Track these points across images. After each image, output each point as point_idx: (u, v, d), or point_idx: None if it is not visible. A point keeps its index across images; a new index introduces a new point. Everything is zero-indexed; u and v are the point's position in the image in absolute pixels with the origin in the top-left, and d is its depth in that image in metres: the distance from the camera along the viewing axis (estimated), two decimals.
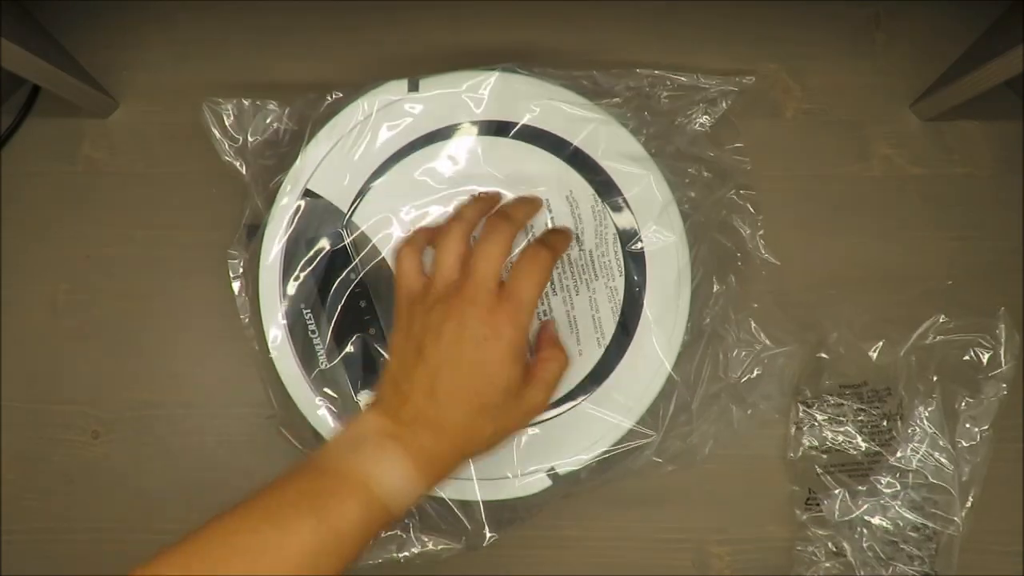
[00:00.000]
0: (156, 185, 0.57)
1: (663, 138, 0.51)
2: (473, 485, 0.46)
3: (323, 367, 0.47)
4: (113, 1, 0.58)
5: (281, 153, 0.51)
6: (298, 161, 0.48)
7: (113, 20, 0.58)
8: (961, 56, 0.55)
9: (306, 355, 0.47)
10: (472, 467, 0.46)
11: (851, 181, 0.57)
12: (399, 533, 0.48)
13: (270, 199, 0.49)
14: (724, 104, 0.53)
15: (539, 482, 0.46)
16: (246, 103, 0.50)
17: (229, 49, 0.58)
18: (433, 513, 0.47)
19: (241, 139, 0.50)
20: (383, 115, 0.48)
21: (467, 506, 0.47)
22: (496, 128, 0.48)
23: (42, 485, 0.54)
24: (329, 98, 0.49)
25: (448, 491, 0.46)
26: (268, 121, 0.50)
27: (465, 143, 0.48)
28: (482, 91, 0.48)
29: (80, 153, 0.57)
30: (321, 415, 0.46)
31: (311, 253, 0.47)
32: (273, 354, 0.47)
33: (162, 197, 0.56)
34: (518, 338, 0.35)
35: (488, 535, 0.46)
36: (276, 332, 0.47)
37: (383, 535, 0.48)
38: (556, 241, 0.41)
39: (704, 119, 0.52)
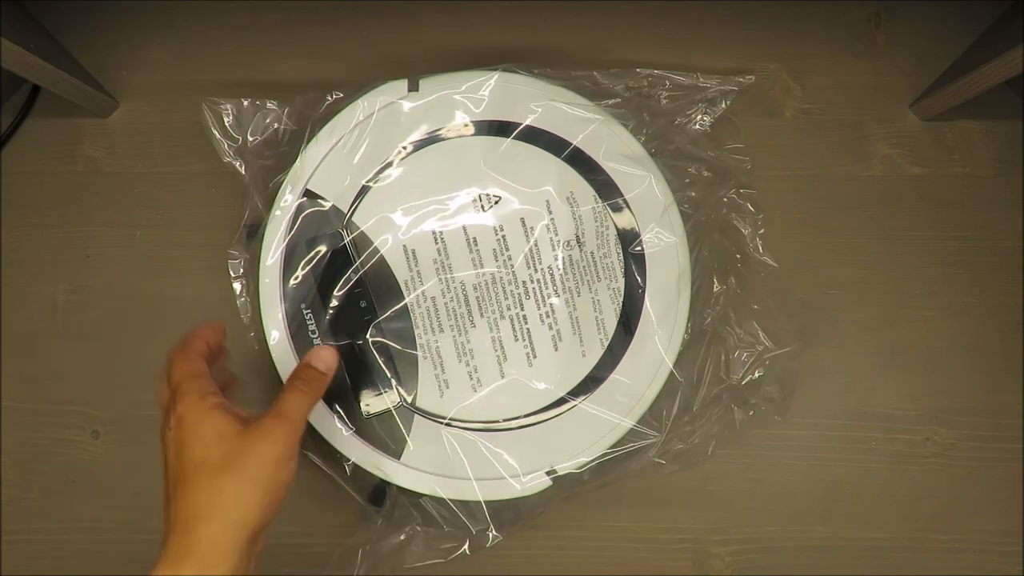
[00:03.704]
0: (156, 185, 0.57)
1: (663, 138, 0.51)
2: (472, 485, 0.46)
3: None
4: (113, 1, 0.58)
5: (281, 153, 0.51)
6: (298, 161, 0.48)
7: (113, 20, 0.58)
8: (961, 56, 0.55)
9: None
10: (468, 468, 0.46)
11: (851, 181, 0.57)
12: (401, 538, 0.48)
13: (270, 199, 0.49)
14: (724, 104, 0.53)
15: (539, 482, 0.46)
16: (245, 103, 0.50)
17: (229, 48, 0.58)
18: (436, 515, 0.47)
19: (241, 139, 0.50)
20: (383, 115, 0.48)
21: (469, 507, 0.47)
22: (496, 128, 0.48)
23: (42, 485, 0.54)
24: (329, 98, 0.49)
25: (450, 492, 0.46)
26: (268, 121, 0.50)
27: (465, 143, 0.48)
28: (482, 91, 0.48)
29: (80, 153, 0.57)
30: (321, 415, 0.46)
31: (311, 253, 0.47)
32: (273, 354, 0.47)
33: (162, 197, 0.56)
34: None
35: (492, 535, 0.46)
36: (276, 332, 0.47)
37: (381, 541, 0.48)
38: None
39: (704, 119, 0.53)
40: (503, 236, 0.48)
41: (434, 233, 0.48)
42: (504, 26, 0.58)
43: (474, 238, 0.48)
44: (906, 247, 0.56)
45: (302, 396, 0.38)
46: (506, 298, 0.48)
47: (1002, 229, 0.56)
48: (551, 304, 0.48)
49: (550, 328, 0.48)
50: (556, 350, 0.47)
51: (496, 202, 0.48)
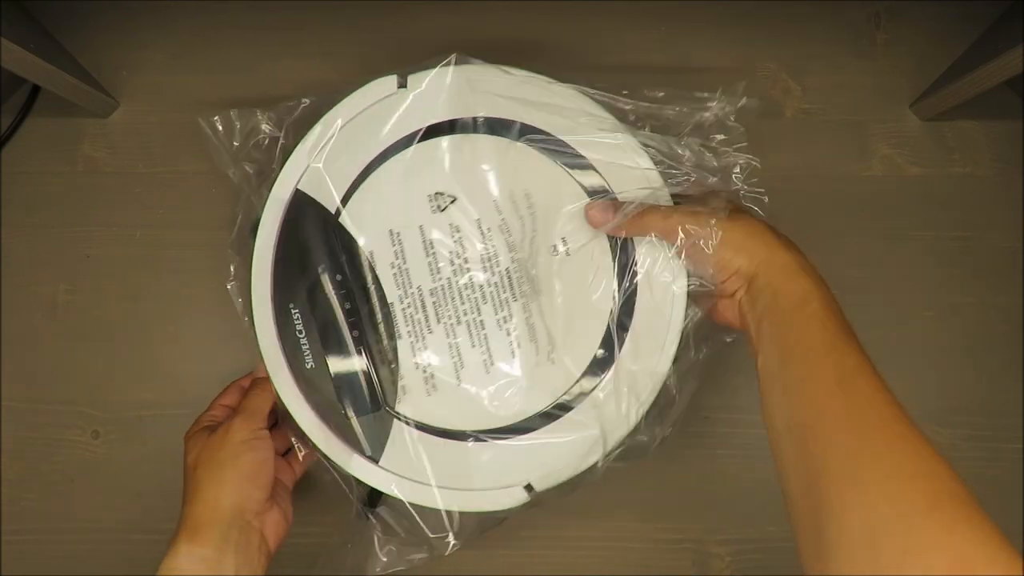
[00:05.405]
0: (156, 185, 0.57)
1: (665, 144, 0.49)
2: (449, 494, 0.44)
3: (309, 367, 0.46)
4: (113, 1, 0.58)
5: (272, 155, 0.50)
6: (288, 162, 0.47)
7: (113, 20, 0.58)
8: (961, 56, 0.55)
9: (293, 355, 0.46)
10: (446, 477, 0.44)
11: (851, 181, 0.57)
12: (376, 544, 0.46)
13: (262, 201, 0.48)
14: (730, 109, 0.50)
15: (517, 497, 0.45)
16: (234, 114, 0.49)
17: (229, 48, 0.58)
18: (395, 524, 0.46)
19: (234, 145, 0.49)
20: (372, 113, 0.47)
21: (432, 516, 0.45)
22: (489, 126, 0.47)
23: (42, 485, 0.54)
24: (305, 101, 0.48)
25: (424, 499, 0.44)
26: (259, 125, 0.49)
27: (458, 141, 0.47)
28: (477, 87, 0.47)
29: (80, 153, 0.57)
30: (308, 416, 0.46)
31: (300, 253, 0.47)
32: (263, 353, 0.46)
33: (162, 197, 0.56)
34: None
35: (452, 542, 0.44)
36: (266, 332, 0.46)
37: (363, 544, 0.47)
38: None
39: (707, 130, 0.50)
40: (460, 238, 0.46)
41: (391, 233, 0.46)
42: (504, 26, 0.58)
43: (431, 241, 0.46)
44: (906, 247, 0.56)
45: (256, 396, 0.46)
46: (463, 303, 0.46)
47: (1002, 229, 0.56)
48: (509, 309, 0.46)
49: (508, 334, 0.46)
50: (514, 356, 0.46)
51: (452, 202, 0.47)
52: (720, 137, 0.46)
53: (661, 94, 0.47)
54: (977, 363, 0.54)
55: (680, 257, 0.44)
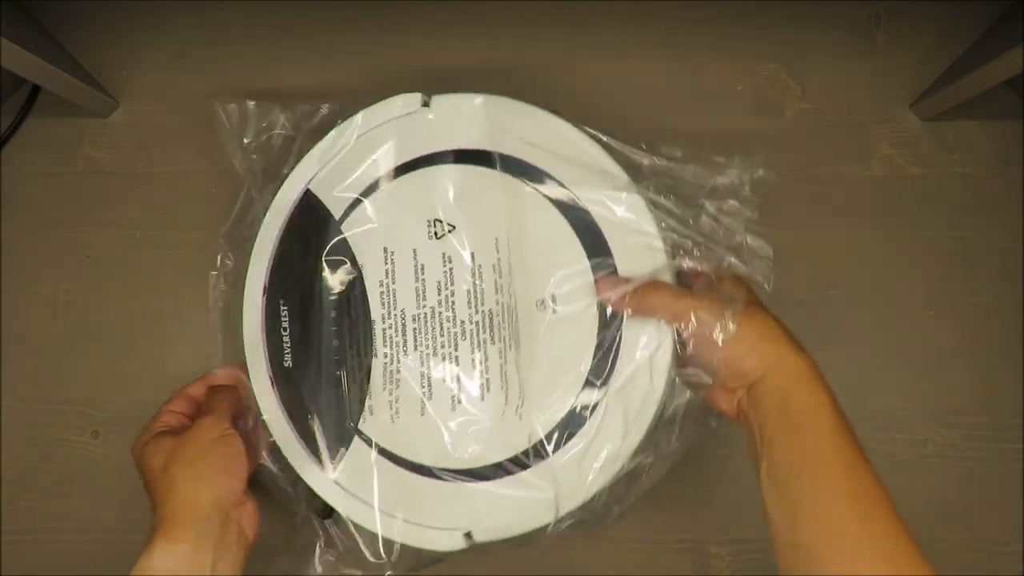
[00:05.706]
0: (156, 185, 0.57)
1: (678, 208, 0.46)
2: (392, 522, 0.43)
3: (286, 365, 0.46)
4: (113, 1, 0.58)
5: (281, 154, 0.50)
6: (302, 161, 0.47)
7: (113, 20, 0.58)
8: (961, 56, 0.55)
9: (274, 350, 0.46)
10: (392, 504, 0.44)
11: (851, 181, 0.57)
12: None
13: (264, 197, 0.48)
14: (746, 179, 0.46)
15: (455, 540, 0.43)
16: (251, 104, 0.49)
17: (229, 49, 0.58)
18: (336, 540, 0.45)
19: (244, 137, 0.49)
20: (391, 127, 0.46)
21: (374, 539, 0.44)
22: (503, 164, 0.45)
23: (42, 485, 0.54)
24: (324, 108, 0.48)
25: (369, 522, 0.44)
26: (275, 122, 0.49)
27: (469, 172, 0.45)
28: (498, 123, 0.45)
29: (80, 153, 0.57)
30: (275, 413, 0.45)
31: (300, 252, 0.46)
32: (246, 343, 0.46)
33: (162, 197, 0.56)
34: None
35: (388, 573, 0.44)
36: (252, 322, 0.46)
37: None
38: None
39: (721, 200, 0.46)
40: (450, 268, 0.45)
41: (385, 251, 0.46)
42: (505, 25, 0.58)
43: (422, 265, 0.45)
44: (906, 247, 0.56)
45: (223, 398, 0.45)
46: (442, 335, 0.45)
47: (1002, 229, 0.56)
48: (485, 351, 0.44)
49: (480, 376, 0.44)
50: (482, 399, 0.44)
51: (450, 230, 0.45)
52: (732, 203, 0.45)
53: (679, 153, 0.45)
54: (977, 363, 0.54)
55: (687, 343, 0.41)
